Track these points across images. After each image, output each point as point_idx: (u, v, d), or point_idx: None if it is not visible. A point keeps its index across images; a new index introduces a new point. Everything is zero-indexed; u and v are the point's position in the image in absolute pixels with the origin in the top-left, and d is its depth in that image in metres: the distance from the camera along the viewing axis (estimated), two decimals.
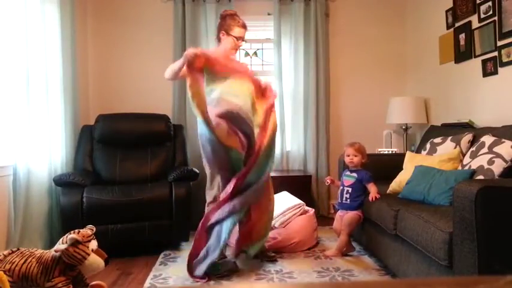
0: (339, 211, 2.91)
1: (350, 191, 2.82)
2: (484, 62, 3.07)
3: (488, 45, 3.00)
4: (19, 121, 2.75)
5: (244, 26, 2.73)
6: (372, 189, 2.75)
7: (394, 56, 4.38)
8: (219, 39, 2.76)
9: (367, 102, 4.35)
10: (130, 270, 2.66)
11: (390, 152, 3.80)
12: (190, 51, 2.42)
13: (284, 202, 3.12)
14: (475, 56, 3.18)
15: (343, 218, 2.83)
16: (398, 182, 2.80)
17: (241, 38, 2.73)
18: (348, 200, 2.82)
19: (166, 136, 3.60)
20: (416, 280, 0.58)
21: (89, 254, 1.97)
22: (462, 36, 3.34)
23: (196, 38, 4.09)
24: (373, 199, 2.70)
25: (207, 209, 2.74)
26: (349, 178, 2.86)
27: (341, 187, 2.90)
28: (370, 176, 2.80)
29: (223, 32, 2.71)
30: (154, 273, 2.58)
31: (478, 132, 2.68)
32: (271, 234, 2.84)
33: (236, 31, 2.70)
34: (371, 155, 3.04)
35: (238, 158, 2.48)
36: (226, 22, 2.71)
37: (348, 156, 2.89)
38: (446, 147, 2.78)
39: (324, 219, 3.95)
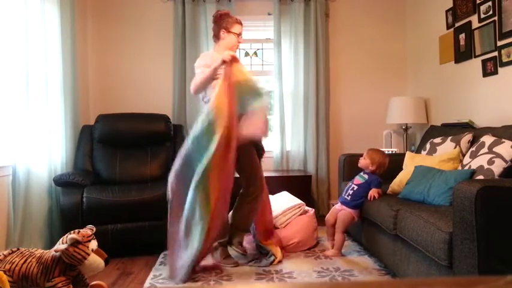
0: (338, 204, 2.92)
1: (355, 189, 2.82)
2: (484, 62, 3.07)
3: (488, 45, 3.00)
4: (19, 121, 2.74)
5: (241, 23, 2.79)
6: (375, 190, 2.76)
7: (394, 56, 4.38)
8: (218, 39, 2.77)
9: (367, 102, 4.36)
10: (130, 270, 2.66)
11: (390, 152, 3.80)
12: (227, 53, 2.52)
13: (284, 202, 3.12)
14: (475, 56, 3.18)
15: (338, 215, 2.85)
16: (398, 182, 2.80)
17: (241, 35, 2.78)
18: (349, 196, 2.83)
19: (166, 136, 3.60)
20: (416, 280, 0.58)
21: (89, 254, 1.97)
22: (462, 36, 3.34)
23: (196, 38, 4.10)
24: (371, 197, 2.71)
25: None
26: (360, 178, 2.87)
27: (350, 183, 2.91)
28: (379, 182, 2.79)
29: (223, 30, 2.73)
30: (154, 273, 2.58)
31: (478, 132, 2.68)
32: None
33: (236, 28, 2.74)
34: None
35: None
36: (224, 20, 2.74)
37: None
38: (446, 147, 2.78)
39: (323, 219, 3.94)
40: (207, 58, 2.67)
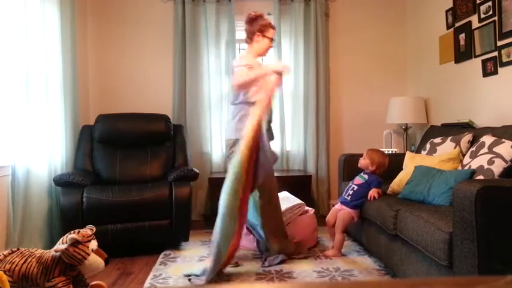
0: (338, 204, 2.93)
1: (355, 189, 2.83)
2: (484, 62, 3.07)
3: (488, 45, 3.00)
4: (18, 121, 2.74)
5: (274, 27, 2.79)
6: (375, 190, 2.76)
7: (394, 56, 4.38)
8: (251, 41, 2.76)
9: (367, 102, 4.36)
10: (130, 270, 2.66)
11: (390, 152, 3.80)
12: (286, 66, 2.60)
13: (284, 202, 3.12)
14: (475, 56, 3.18)
15: (337, 215, 2.85)
16: (398, 182, 2.81)
17: (273, 39, 2.78)
18: (349, 196, 2.83)
19: (166, 136, 3.60)
20: (416, 280, 0.58)
21: (89, 254, 1.97)
22: (462, 36, 3.34)
23: (196, 38, 4.10)
24: (371, 197, 2.71)
25: None
26: (360, 178, 2.88)
27: (350, 183, 2.91)
28: (379, 182, 2.80)
29: (258, 33, 2.72)
30: (154, 273, 2.58)
31: (478, 132, 2.68)
32: None
33: (270, 32, 2.74)
34: None
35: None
36: (259, 23, 2.72)
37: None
38: (446, 147, 2.78)
39: (324, 219, 3.94)
40: (246, 60, 2.67)
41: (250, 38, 2.76)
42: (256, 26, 2.72)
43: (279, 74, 2.55)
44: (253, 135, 2.39)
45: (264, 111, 2.47)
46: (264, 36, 2.72)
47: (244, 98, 2.67)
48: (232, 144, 2.68)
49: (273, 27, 2.77)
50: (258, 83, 2.58)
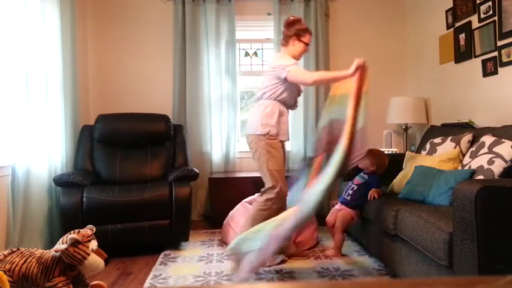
0: (338, 204, 2.93)
1: (354, 189, 2.83)
2: (484, 62, 3.07)
3: (488, 45, 3.00)
4: (18, 121, 2.74)
5: (311, 33, 2.81)
6: (375, 190, 2.76)
7: (394, 56, 4.38)
8: (287, 44, 2.78)
9: (367, 102, 4.35)
10: (130, 270, 2.66)
11: (390, 152, 3.80)
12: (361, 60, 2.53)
13: None
14: (475, 56, 3.18)
15: (337, 215, 2.85)
16: (398, 182, 2.81)
17: (309, 44, 2.80)
18: (349, 196, 2.84)
19: (166, 136, 3.61)
20: (416, 280, 0.58)
21: (89, 254, 1.97)
22: (462, 36, 3.34)
23: (196, 38, 4.10)
24: (371, 197, 2.71)
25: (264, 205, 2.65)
26: (360, 178, 2.88)
27: (349, 183, 2.91)
28: (378, 183, 2.80)
29: (294, 37, 2.74)
30: (154, 273, 2.58)
31: (478, 132, 2.68)
32: None
33: (307, 38, 2.77)
34: None
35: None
36: (296, 28, 2.74)
37: None
38: (446, 147, 2.78)
39: (324, 219, 3.94)
40: (290, 60, 2.68)
41: (286, 41, 2.79)
42: (293, 30, 2.74)
43: (362, 68, 2.50)
44: (349, 141, 2.33)
45: (357, 111, 2.46)
46: (300, 40, 2.75)
47: (270, 95, 2.68)
48: (257, 139, 2.67)
49: (310, 33, 2.79)
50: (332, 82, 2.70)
